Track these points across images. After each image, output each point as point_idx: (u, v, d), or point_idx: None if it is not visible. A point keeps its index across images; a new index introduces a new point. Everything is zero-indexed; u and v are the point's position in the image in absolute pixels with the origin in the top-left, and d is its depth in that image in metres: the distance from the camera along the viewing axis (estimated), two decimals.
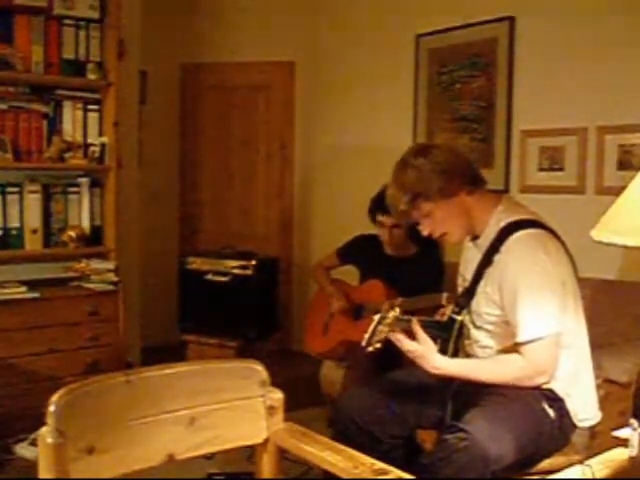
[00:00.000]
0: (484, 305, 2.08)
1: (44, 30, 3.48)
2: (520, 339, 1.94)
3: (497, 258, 2.03)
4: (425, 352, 1.99)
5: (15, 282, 3.40)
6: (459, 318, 2.13)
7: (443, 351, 2.06)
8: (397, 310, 1.97)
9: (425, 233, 2.14)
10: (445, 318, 2.18)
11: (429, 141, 4.12)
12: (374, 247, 3.42)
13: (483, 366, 2.05)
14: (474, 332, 2.14)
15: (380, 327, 1.97)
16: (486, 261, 2.06)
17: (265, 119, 5.09)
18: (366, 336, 1.99)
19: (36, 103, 3.54)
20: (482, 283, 2.08)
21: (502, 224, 2.04)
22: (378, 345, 1.99)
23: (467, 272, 2.19)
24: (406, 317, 2.00)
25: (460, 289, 2.25)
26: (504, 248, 2.01)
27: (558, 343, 1.95)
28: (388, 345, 2.05)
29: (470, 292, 2.12)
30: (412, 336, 2.01)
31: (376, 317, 1.98)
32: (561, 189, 3.49)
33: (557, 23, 3.49)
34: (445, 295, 2.26)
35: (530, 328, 1.93)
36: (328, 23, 4.81)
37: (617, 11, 3.24)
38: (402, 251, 3.39)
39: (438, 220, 2.09)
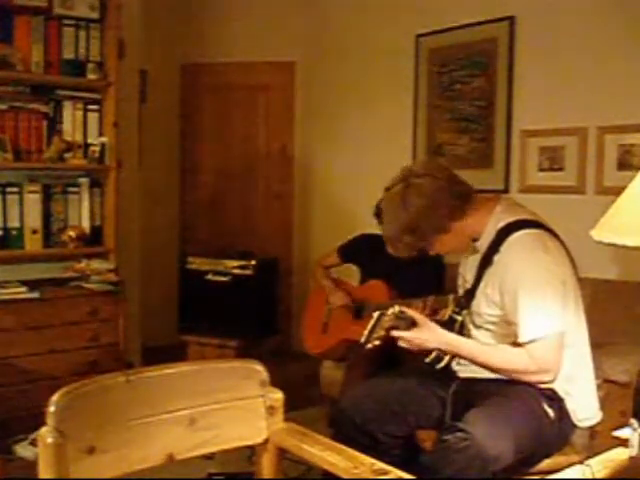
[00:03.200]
0: (484, 305, 2.08)
1: (44, 30, 3.48)
2: (522, 339, 1.94)
3: (497, 258, 2.03)
4: (429, 333, 2.00)
5: (15, 282, 3.40)
6: (459, 318, 2.14)
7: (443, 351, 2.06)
8: (396, 308, 1.98)
9: (431, 253, 2.19)
10: (445, 318, 2.18)
11: (428, 141, 4.13)
12: (375, 246, 3.41)
13: (490, 352, 2.04)
14: (474, 332, 2.14)
15: (380, 324, 1.97)
16: (486, 262, 2.07)
17: (265, 119, 5.09)
18: (365, 332, 1.99)
19: (36, 103, 3.53)
20: (482, 284, 2.08)
21: (501, 225, 2.04)
22: (377, 342, 1.99)
23: (467, 273, 2.19)
24: (405, 315, 2.00)
25: (460, 290, 2.25)
26: (503, 248, 2.02)
27: (562, 342, 1.95)
28: (388, 345, 2.05)
29: (470, 293, 2.12)
30: None
31: (375, 314, 1.99)
32: (561, 189, 3.48)
33: (557, 23, 3.49)
34: (452, 297, 2.26)
35: (532, 327, 1.93)
36: (328, 23, 4.81)
37: (617, 11, 3.24)
38: None
39: (439, 247, 2.15)
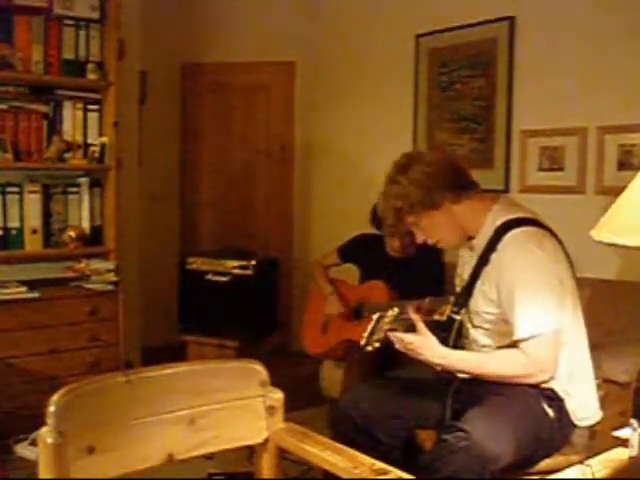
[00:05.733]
0: (482, 304, 2.08)
1: (44, 30, 3.48)
2: (518, 336, 1.94)
3: (494, 256, 2.03)
4: (426, 343, 1.99)
5: (15, 282, 3.40)
6: (458, 318, 2.13)
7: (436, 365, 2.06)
8: (396, 309, 1.97)
9: (419, 241, 2.18)
10: (444, 318, 2.18)
11: (428, 141, 4.13)
12: (375, 247, 3.42)
13: (486, 360, 2.04)
14: (472, 331, 2.14)
15: (379, 326, 1.97)
16: (483, 260, 2.06)
17: (265, 119, 5.09)
18: (365, 335, 1.99)
19: (36, 103, 3.53)
20: (479, 282, 2.08)
21: (498, 223, 2.04)
22: (377, 344, 1.99)
23: (464, 272, 2.19)
24: (405, 316, 2.00)
25: (458, 289, 2.25)
26: (500, 246, 2.02)
27: (558, 340, 1.95)
28: (388, 345, 2.05)
29: (468, 291, 2.12)
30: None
31: (375, 316, 1.98)
32: (561, 189, 3.49)
33: (557, 23, 3.49)
34: (452, 298, 2.26)
35: (528, 325, 1.92)
36: (328, 23, 4.81)
37: (617, 11, 3.24)
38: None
39: (426, 229, 2.13)
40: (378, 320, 1.97)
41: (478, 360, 2.04)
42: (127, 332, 3.63)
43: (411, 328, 2.00)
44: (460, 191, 2.08)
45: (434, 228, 2.11)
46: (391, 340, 2.02)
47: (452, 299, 2.23)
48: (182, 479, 2.38)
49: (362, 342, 2.00)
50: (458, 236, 2.14)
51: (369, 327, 1.98)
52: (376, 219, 3.27)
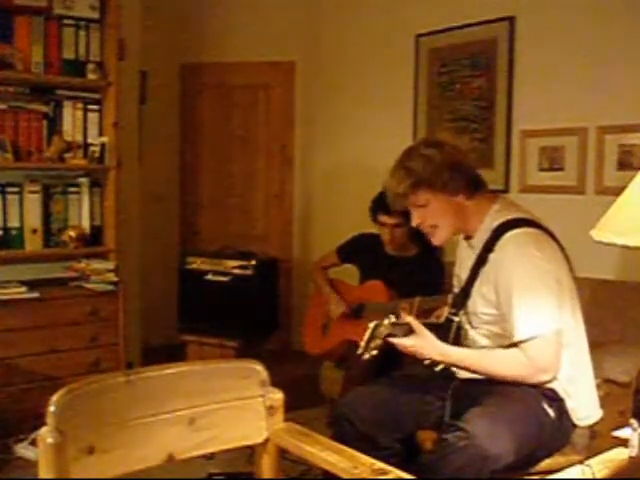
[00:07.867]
0: (480, 305, 2.08)
1: (44, 30, 3.48)
2: (517, 338, 1.94)
3: (491, 257, 2.03)
4: (425, 342, 1.98)
5: (15, 282, 3.40)
6: (456, 319, 2.13)
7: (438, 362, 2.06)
8: (392, 317, 1.98)
9: (414, 223, 2.14)
10: (442, 320, 2.18)
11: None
12: (375, 246, 3.42)
13: (486, 358, 2.03)
14: (471, 333, 2.14)
15: (376, 334, 1.97)
16: (481, 260, 2.06)
17: (265, 119, 5.09)
18: (362, 344, 1.99)
19: (36, 103, 3.53)
20: (477, 283, 2.08)
21: (496, 223, 2.04)
22: (374, 352, 1.99)
23: (462, 272, 2.19)
24: (401, 321, 2.00)
25: (456, 290, 2.24)
26: (498, 247, 2.01)
27: (559, 340, 1.95)
28: (387, 346, 2.05)
29: (465, 292, 2.12)
30: None
31: (371, 325, 1.98)
32: (561, 189, 3.48)
33: (557, 23, 3.49)
34: (450, 296, 2.26)
35: (527, 326, 1.92)
36: (328, 23, 4.81)
37: (617, 11, 3.24)
38: (403, 251, 3.39)
39: (432, 212, 2.08)
40: (375, 328, 1.97)
41: (478, 358, 2.03)
42: (127, 332, 3.63)
43: (409, 332, 2.00)
44: (476, 188, 2.09)
45: (440, 213, 2.08)
46: (390, 344, 2.01)
47: (446, 298, 2.22)
48: (182, 479, 2.38)
49: (360, 350, 2.00)
50: (453, 230, 2.12)
51: (366, 335, 1.98)
52: (376, 208, 3.27)
